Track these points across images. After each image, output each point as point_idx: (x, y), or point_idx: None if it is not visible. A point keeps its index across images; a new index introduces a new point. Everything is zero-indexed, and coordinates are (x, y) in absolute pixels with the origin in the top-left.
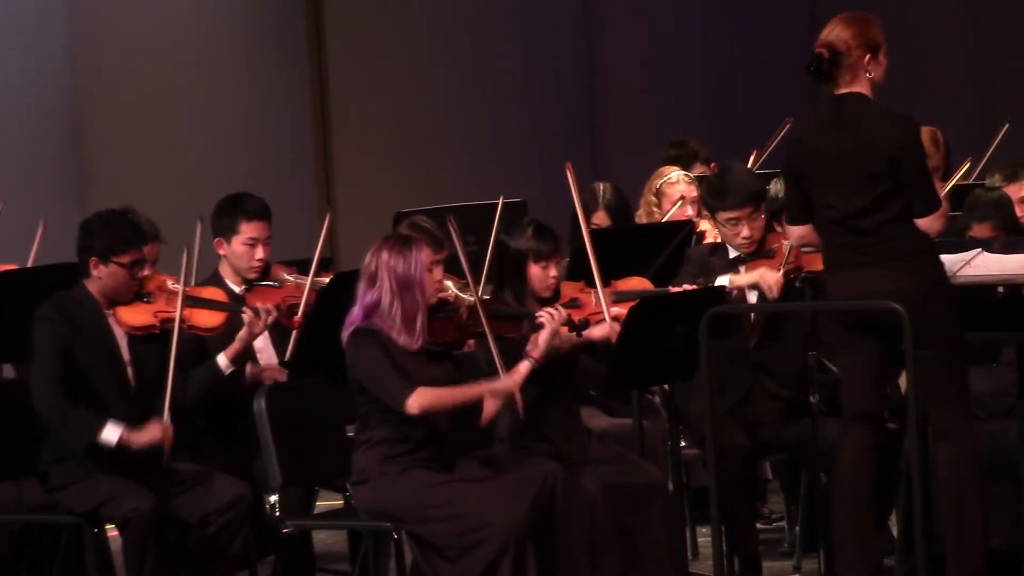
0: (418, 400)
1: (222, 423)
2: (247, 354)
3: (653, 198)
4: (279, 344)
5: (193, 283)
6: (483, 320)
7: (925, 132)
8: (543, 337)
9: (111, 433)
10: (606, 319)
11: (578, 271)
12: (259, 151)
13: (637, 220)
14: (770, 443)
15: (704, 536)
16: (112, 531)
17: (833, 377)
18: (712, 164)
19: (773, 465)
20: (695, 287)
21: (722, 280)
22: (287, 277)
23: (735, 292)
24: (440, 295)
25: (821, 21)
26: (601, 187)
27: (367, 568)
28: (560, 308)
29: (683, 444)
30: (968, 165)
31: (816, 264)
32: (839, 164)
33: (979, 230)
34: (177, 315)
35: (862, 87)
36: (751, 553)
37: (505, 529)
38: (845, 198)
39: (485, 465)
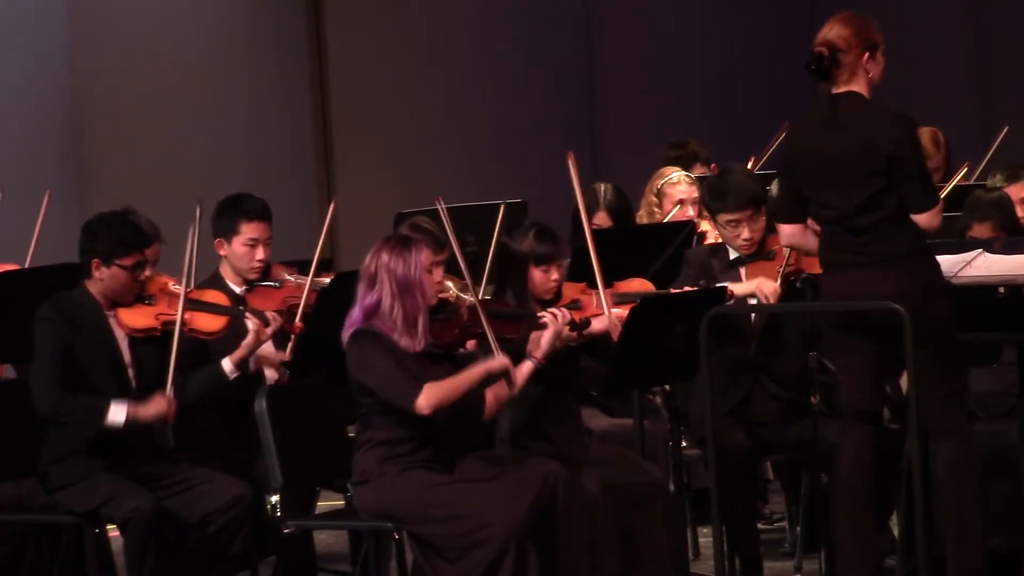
0: (427, 398)
1: (223, 423)
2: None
3: (654, 198)
4: (280, 343)
5: (193, 265)
6: (484, 320)
7: (926, 132)
8: (546, 338)
9: (118, 413)
10: (606, 313)
11: (579, 271)
12: (259, 151)
13: (638, 220)
14: (771, 443)
15: (705, 536)
16: (113, 531)
17: (834, 377)
18: (712, 165)
19: (774, 465)
20: (696, 289)
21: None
22: (288, 277)
23: (732, 301)
24: (441, 295)
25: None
26: (602, 187)
27: (368, 568)
28: (563, 309)
29: (684, 444)
30: (966, 169)
31: (817, 266)
32: (836, 163)
33: (979, 230)
34: (179, 316)
35: (859, 86)
36: (752, 553)
37: (506, 529)
38: (842, 197)
39: (486, 465)
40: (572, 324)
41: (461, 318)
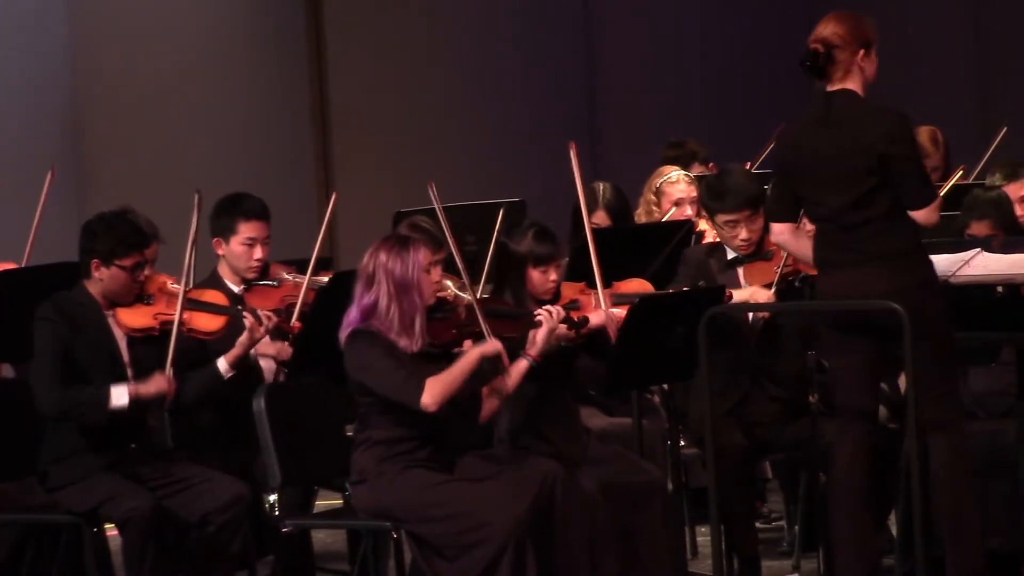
0: (431, 394)
1: (222, 423)
2: (247, 359)
3: (653, 197)
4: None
5: (192, 259)
6: (481, 319)
7: (924, 131)
8: (541, 335)
9: (120, 396)
10: (601, 307)
11: (578, 270)
12: (259, 151)
13: (636, 219)
14: (769, 443)
15: (703, 536)
16: (111, 531)
17: (832, 376)
18: (711, 164)
19: (772, 465)
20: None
21: None
22: (286, 276)
23: None
24: (439, 295)
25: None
26: (601, 187)
27: (366, 568)
28: (559, 308)
29: (682, 444)
30: (961, 172)
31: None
32: (830, 160)
33: (977, 228)
34: (177, 316)
35: (854, 84)
36: (750, 553)
37: (505, 529)
38: (836, 194)
39: (485, 465)
40: (569, 322)
41: (459, 317)
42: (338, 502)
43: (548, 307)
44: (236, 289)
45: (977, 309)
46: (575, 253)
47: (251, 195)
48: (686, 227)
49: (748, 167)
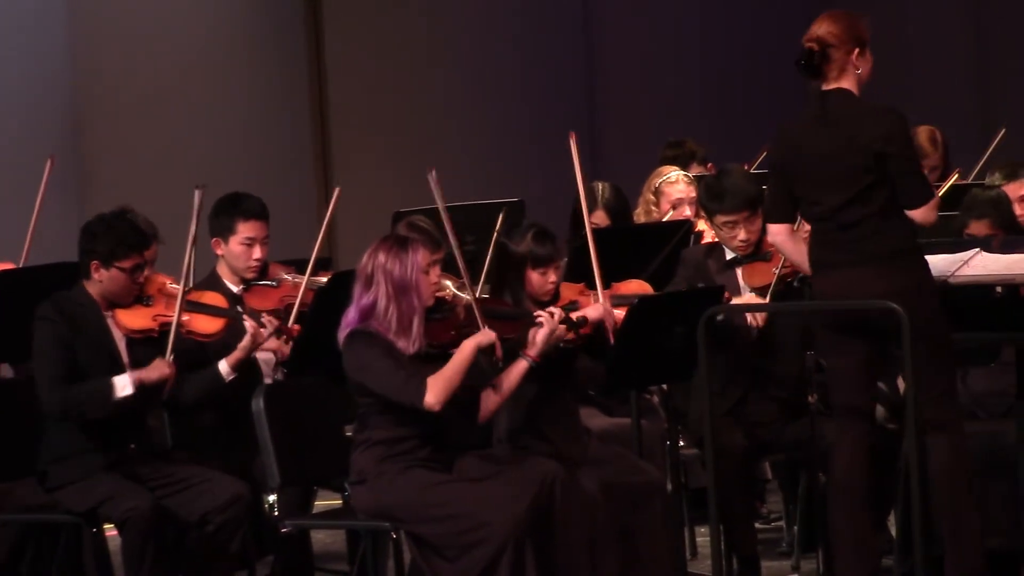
0: (434, 393)
1: (221, 423)
2: (248, 361)
3: (652, 197)
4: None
5: (192, 257)
6: (479, 319)
7: (923, 131)
8: (540, 336)
9: (124, 386)
10: (600, 300)
11: (577, 270)
12: (259, 151)
13: (635, 219)
14: (769, 443)
15: (703, 536)
16: (111, 530)
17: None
18: (709, 164)
19: (772, 465)
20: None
21: None
22: (285, 277)
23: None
24: (438, 294)
25: None
26: (600, 186)
27: (366, 568)
28: (559, 309)
29: (682, 444)
30: (957, 176)
31: None
32: (826, 159)
33: (976, 227)
34: (175, 317)
35: (849, 83)
36: (750, 553)
37: (504, 529)
38: (831, 193)
39: (484, 465)
40: (568, 323)
41: (457, 318)
42: (337, 502)
43: (550, 309)
44: (235, 289)
45: (976, 309)
46: (574, 253)
47: (250, 195)
48: (685, 227)
49: (746, 168)
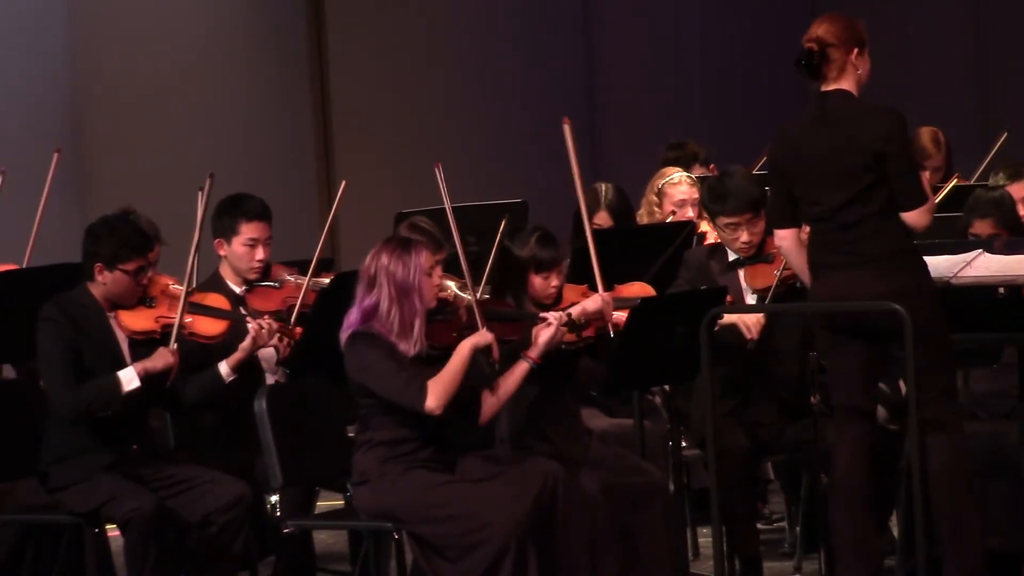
0: (435, 397)
1: (223, 423)
2: (249, 362)
3: (654, 197)
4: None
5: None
6: (479, 321)
7: (926, 132)
8: (543, 338)
9: (130, 380)
10: (599, 291)
11: (579, 271)
12: (259, 151)
13: (638, 220)
14: (771, 444)
15: (705, 536)
16: (112, 531)
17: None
18: (711, 165)
19: (774, 466)
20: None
21: None
22: (288, 278)
23: (716, 328)
24: (440, 295)
25: None
26: (603, 187)
27: (368, 568)
28: (562, 312)
29: (684, 445)
30: (955, 181)
31: None
32: (825, 160)
33: (980, 227)
34: (177, 318)
35: (849, 84)
36: (752, 553)
37: (506, 529)
38: (831, 193)
39: (486, 465)
40: (571, 324)
41: (460, 319)
42: (339, 503)
43: (553, 312)
44: (238, 290)
45: (979, 310)
46: (576, 254)
47: (253, 196)
48: (687, 228)
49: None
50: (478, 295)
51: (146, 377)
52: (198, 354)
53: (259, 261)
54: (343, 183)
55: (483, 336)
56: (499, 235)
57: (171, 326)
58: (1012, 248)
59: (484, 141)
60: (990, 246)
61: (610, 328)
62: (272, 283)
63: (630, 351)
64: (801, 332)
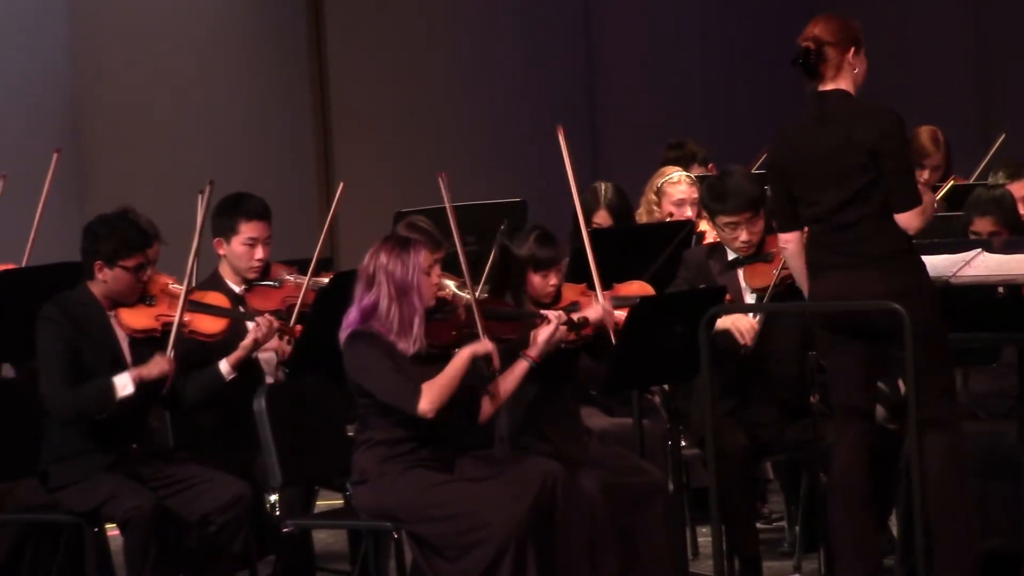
0: (428, 400)
1: (223, 423)
2: (249, 361)
3: (654, 197)
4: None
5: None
6: (478, 320)
7: (925, 131)
8: (542, 337)
9: (124, 386)
10: (599, 301)
11: (578, 270)
12: (259, 151)
13: (637, 219)
14: (770, 443)
15: (704, 536)
16: (112, 530)
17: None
18: (711, 165)
19: (773, 465)
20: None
21: None
22: (287, 277)
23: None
24: (439, 294)
25: None
26: (603, 187)
27: (367, 568)
28: (560, 311)
29: (683, 444)
30: (952, 183)
31: None
32: (823, 159)
33: (981, 224)
34: (177, 317)
35: (846, 83)
36: (751, 553)
37: (505, 529)
38: (828, 193)
39: (485, 465)
40: (570, 324)
41: (459, 319)
42: (339, 502)
43: (552, 312)
44: (237, 289)
45: (978, 310)
46: (575, 253)
47: (252, 195)
48: (687, 228)
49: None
50: (477, 294)
51: (140, 384)
52: (198, 352)
53: (259, 260)
54: (341, 185)
55: (484, 345)
56: (499, 234)
57: (171, 324)
58: (1011, 247)
59: (484, 141)
60: (989, 245)
61: (612, 336)
62: (271, 282)
63: (629, 351)
64: (800, 332)
